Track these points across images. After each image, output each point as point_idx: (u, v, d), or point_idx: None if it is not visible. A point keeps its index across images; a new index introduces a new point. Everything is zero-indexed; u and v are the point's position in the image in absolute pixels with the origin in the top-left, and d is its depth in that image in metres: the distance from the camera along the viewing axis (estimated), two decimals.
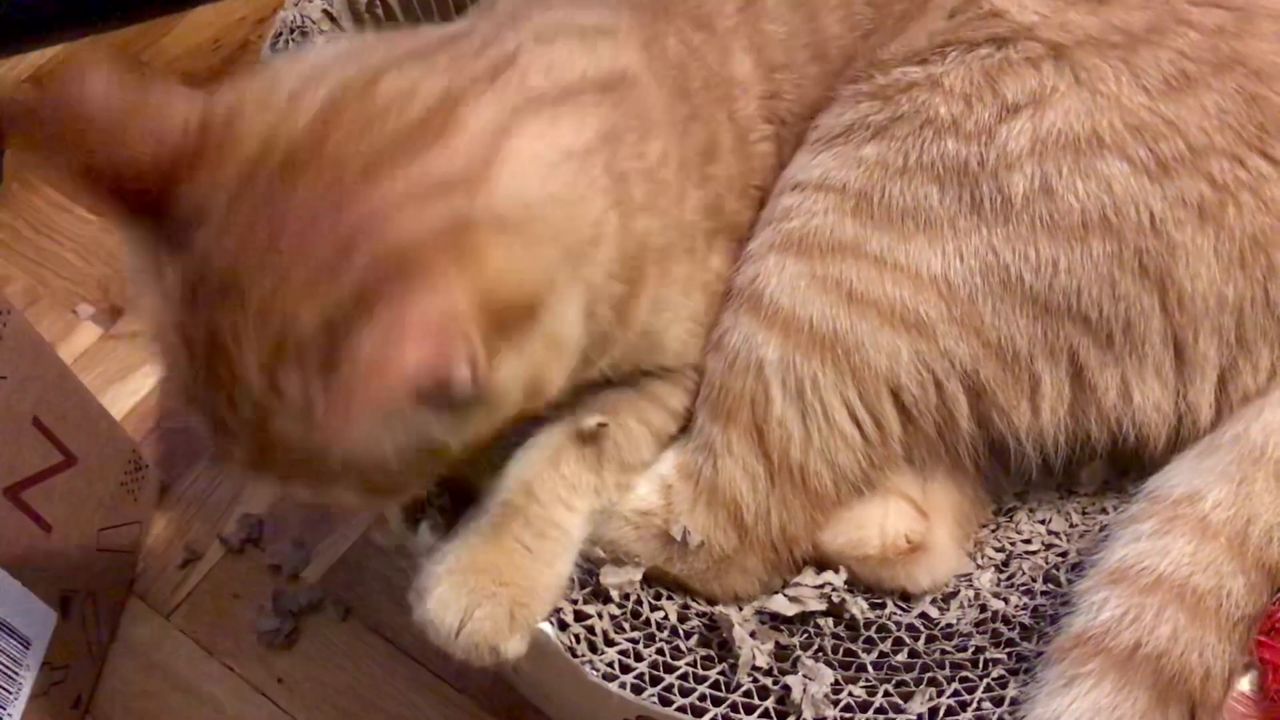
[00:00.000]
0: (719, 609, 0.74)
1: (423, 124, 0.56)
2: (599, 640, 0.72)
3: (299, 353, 0.52)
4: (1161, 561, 0.67)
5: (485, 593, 0.67)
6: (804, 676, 0.71)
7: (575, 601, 0.73)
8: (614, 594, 0.74)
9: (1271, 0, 0.75)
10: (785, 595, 0.76)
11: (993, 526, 0.84)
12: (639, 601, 0.75)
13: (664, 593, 0.77)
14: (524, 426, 0.75)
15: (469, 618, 0.67)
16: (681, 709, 0.69)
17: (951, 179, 0.71)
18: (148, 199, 0.54)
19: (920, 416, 0.74)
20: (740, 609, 0.75)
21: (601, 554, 0.76)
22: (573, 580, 0.73)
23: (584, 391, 0.76)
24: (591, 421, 0.74)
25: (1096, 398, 0.74)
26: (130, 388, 1.17)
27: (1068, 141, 0.70)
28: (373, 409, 0.47)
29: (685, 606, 0.76)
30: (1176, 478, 0.72)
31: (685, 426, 0.79)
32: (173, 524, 1.08)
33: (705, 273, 0.77)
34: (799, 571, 0.78)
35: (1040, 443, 0.76)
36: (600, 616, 0.73)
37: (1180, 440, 0.75)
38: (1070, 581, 0.75)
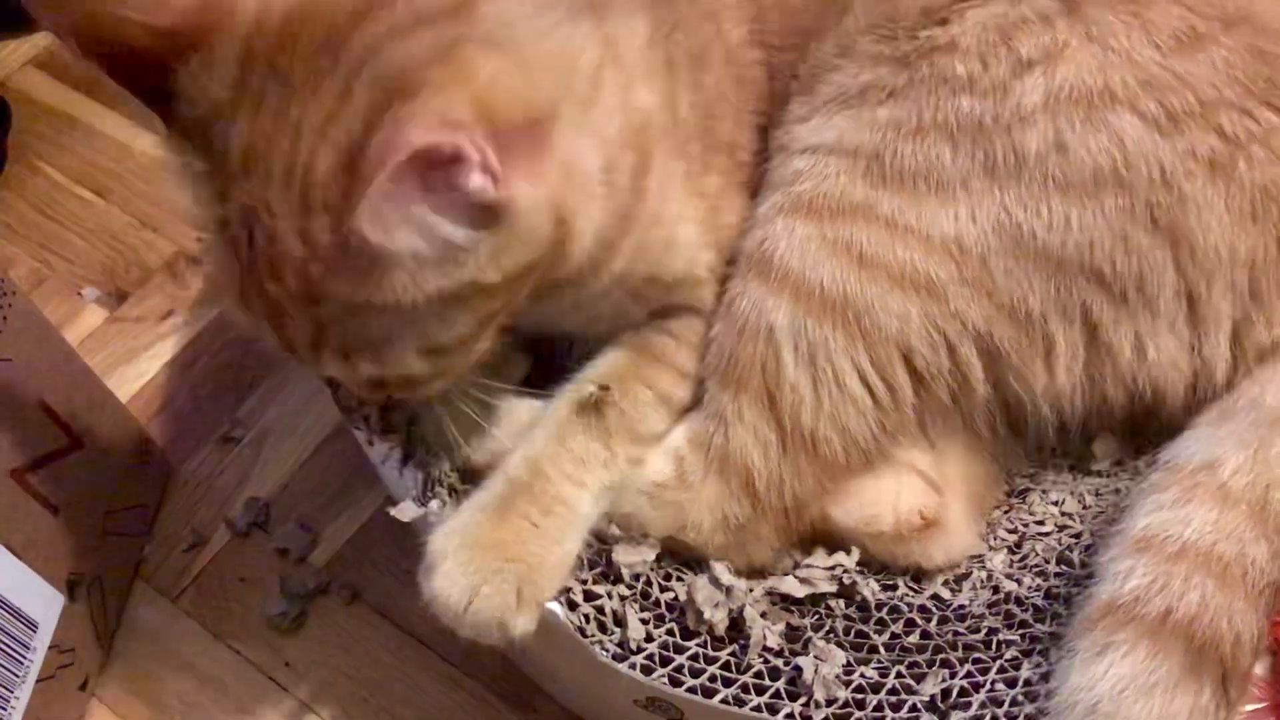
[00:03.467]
0: (731, 580, 0.74)
1: None
2: (609, 620, 0.72)
3: (323, 197, 0.54)
4: (1185, 530, 0.67)
5: (492, 569, 0.67)
6: (815, 657, 0.71)
7: (585, 581, 0.73)
8: (625, 574, 0.74)
9: None
10: (796, 577, 0.76)
11: (1005, 508, 0.84)
12: (649, 582, 0.75)
13: (674, 573, 0.76)
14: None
15: (476, 594, 0.67)
16: (692, 690, 0.69)
17: (965, 138, 0.71)
18: (152, 81, 0.56)
19: (933, 380, 0.73)
20: (751, 589, 0.74)
21: (616, 531, 0.75)
22: (582, 560, 0.73)
23: (592, 351, 0.77)
24: (590, 389, 0.74)
25: (1112, 356, 0.73)
26: (136, 370, 1.17)
27: (1080, 96, 0.70)
28: (384, 190, 0.50)
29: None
30: (1194, 446, 0.71)
31: (695, 395, 0.78)
32: (179, 507, 1.08)
33: (702, 185, 0.76)
34: (813, 541, 0.78)
35: (1057, 404, 0.75)
36: (610, 597, 0.73)
37: (1197, 398, 0.75)
38: (1084, 563, 0.75)
